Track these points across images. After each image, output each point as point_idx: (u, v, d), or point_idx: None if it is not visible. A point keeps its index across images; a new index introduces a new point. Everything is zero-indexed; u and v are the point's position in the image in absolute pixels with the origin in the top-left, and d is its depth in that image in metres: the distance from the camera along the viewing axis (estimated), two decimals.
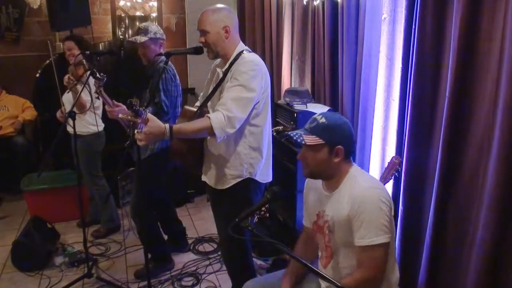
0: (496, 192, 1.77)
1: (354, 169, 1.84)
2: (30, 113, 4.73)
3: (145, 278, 2.78)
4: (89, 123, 3.47)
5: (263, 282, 2.19)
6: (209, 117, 2.09)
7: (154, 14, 5.34)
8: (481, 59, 1.87)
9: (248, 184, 2.34)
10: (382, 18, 2.47)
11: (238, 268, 2.58)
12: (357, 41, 2.85)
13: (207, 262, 3.33)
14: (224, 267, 3.22)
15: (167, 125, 2.06)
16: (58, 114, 3.54)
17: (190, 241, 3.61)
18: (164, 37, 3.05)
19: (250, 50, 2.32)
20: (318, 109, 3.14)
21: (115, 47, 4.87)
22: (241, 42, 2.33)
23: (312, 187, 1.98)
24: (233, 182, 2.33)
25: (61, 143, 3.42)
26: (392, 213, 1.74)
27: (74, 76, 3.23)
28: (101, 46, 4.82)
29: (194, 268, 3.26)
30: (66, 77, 3.23)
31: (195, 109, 2.39)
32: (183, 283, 3.10)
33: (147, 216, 3.08)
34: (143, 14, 5.36)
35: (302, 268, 1.99)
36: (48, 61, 4.51)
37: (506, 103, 1.70)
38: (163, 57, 2.93)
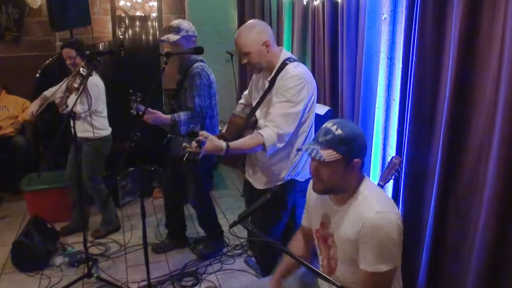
0: (496, 192, 1.77)
1: (365, 184, 1.69)
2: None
3: (163, 250, 3.42)
4: (96, 128, 3.45)
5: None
6: (261, 135, 2.20)
7: (154, 14, 5.34)
8: (481, 59, 1.87)
9: (291, 185, 2.45)
10: (383, 18, 2.47)
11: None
12: (357, 41, 2.85)
13: (207, 262, 3.33)
14: (224, 267, 3.25)
15: (224, 144, 2.14)
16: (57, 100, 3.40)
17: (190, 241, 3.61)
18: (196, 33, 2.96)
19: (294, 58, 2.35)
20: (318, 109, 3.13)
21: (115, 47, 4.87)
22: (283, 49, 2.37)
23: None
24: (279, 182, 2.43)
25: (61, 143, 3.42)
26: (402, 236, 1.63)
27: (69, 90, 3.20)
28: (101, 46, 4.82)
29: (194, 268, 3.26)
30: (58, 99, 3.19)
31: (244, 116, 2.48)
32: (183, 283, 3.10)
33: (207, 197, 3.36)
34: (143, 14, 5.36)
35: (292, 268, 1.96)
36: (48, 61, 4.51)
37: (506, 103, 1.70)
38: (198, 62, 2.97)
